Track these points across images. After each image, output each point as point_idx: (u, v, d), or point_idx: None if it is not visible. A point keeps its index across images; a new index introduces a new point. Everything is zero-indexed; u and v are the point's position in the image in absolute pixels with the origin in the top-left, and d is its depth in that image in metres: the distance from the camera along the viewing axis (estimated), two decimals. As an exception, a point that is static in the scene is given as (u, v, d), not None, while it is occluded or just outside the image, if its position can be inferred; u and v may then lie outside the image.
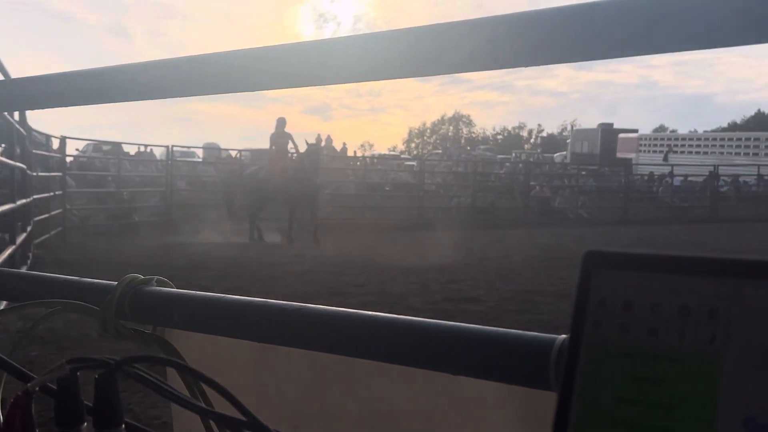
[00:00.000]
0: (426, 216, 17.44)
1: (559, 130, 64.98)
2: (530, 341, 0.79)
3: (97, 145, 20.55)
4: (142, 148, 22.47)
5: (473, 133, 68.85)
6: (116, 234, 12.92)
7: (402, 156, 39.12)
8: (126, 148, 20.28)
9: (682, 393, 0.34)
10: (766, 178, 24.58)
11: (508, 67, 0.89)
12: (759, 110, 60.01)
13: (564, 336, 0.79)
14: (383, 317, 0.91)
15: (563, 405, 0.37)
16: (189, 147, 25.37)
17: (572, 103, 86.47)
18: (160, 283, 1.04)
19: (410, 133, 71.59)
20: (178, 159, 19.13)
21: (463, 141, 60.76)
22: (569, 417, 0.37)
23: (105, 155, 18.06)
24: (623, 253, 0.38)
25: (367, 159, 28.46)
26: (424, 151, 54.36)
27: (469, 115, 70.76)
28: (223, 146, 29.77)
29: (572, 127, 50.23)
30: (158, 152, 21.49)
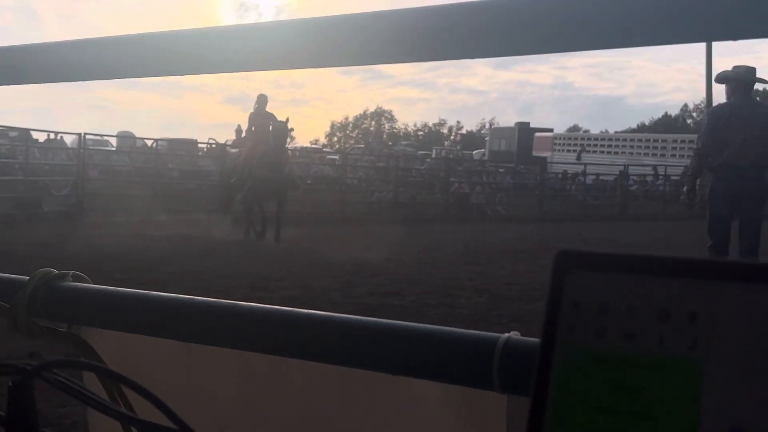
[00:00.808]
0: (348, 210, 17.42)
1: (477, 128, 66.24)
2: (473, 340, 0.78)
3: (3, 131, 19.49)
4: (53, 136, 21.48)
5: (395, 128, 69.31)
6: (23, 224, 12.29)
7: (324, 149, 38.94)
8: (35, 135, 19.33)
9: (663, 401, 0.33)
10: (672, 178, 25.79)
11: (432, 60, 0.88)
12: (666, 113, 62.99)
13: (507, 335, 0.77)
14: (319, 315, 0.87)
15: (535, 413, 0.35)
16: (102, 135, 24.43)
17: (491, 101, 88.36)
18: (77, 278, 0.96)
19: (332, 126, 71.39)
20: (91, 147, 18.38)
21: (385, 136, 61.06)
22: (542, 426, 0.35)
23: (11, 142, 17.13)
24: (598, 253, 0.36)
25: (289, 152, 28.13)
26: (347, 145, 54.33)
27: (391, 111, 71.12)
28: (138, 135, 28.80)
29: (490, 125, 51.34)
30: (69, 140, 20.59)
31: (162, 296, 0.97)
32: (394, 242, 10.52)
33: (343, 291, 6.89)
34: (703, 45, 20.12)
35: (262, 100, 11.81)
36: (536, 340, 0.78)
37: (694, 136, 29.28)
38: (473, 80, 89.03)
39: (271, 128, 11.42)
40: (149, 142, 21.54)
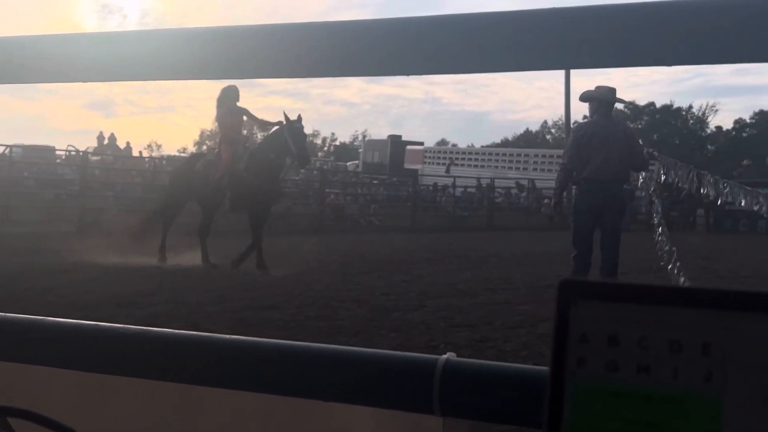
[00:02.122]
0: (222, 221, 16.93)
1: (351, 140, 66.76)
2: (410, 363, 0.75)
3: None
4: None
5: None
6: None
7: (193, 158, 37.78)
8: None
9: (682, 437, 0.32)
10: (535, 191, 27.13)
11: (304, 76, 0.87)
12: (527, 129, 66.26)
13: (445, 357, 0.76)
14: (237, 340, 0.82)
15: (548, 454, 0.33)
16: (-55, 140, 22.41)
17: (363, 113, 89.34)
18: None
19: (202, 134, 69.46)
20: (-68, 153, 16.81)
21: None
22: (556, 467, 0.33)
23: None
24: (604, 283, 0.35)
25: (156, 160, 27.07)
26: (217, 155, 52.96)
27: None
28: (-13, 140, 26.70)
29: (364, 137, 51.89)
30: None
31: (45, 321, 0.88)
32: (271, 254, 10.34)
33: (218, 305, 6.69)
34: (561, 66, 21.35)
35: (233, 93, 9.72)
36: (475, 360, 0.77)
37: (554, 151, 31.05)
38: (346, 92, 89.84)
39: (278, 128, 9.54)
40: (1, 149, 19.99)
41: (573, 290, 0.35)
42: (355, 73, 0.88)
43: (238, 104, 9.91)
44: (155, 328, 0.87)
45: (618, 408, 0.33)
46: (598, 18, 0.77)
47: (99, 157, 23.31)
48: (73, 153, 20.54)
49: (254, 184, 9.32)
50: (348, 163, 38.61)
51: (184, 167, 10.61)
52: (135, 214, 15.88)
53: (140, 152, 30.54)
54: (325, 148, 65.79)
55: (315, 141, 67.60)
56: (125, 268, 8.90)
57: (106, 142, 25.82)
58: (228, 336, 0.84)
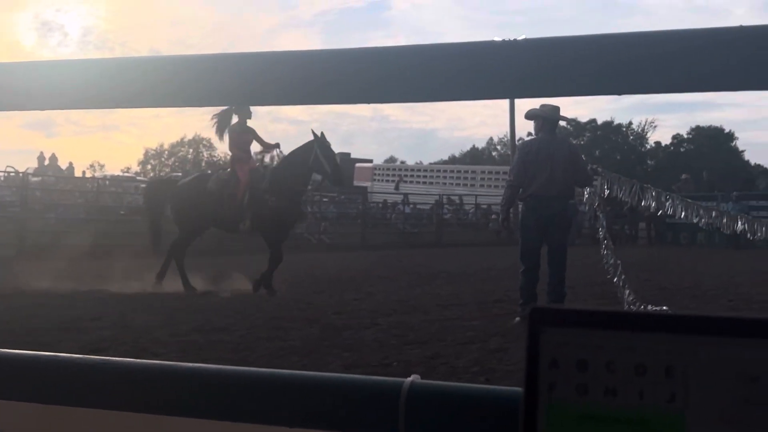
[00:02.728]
0: (167, 242, 16.63)
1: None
2: (375, 386, 0.76)
3: None
4: None
5: (214, 156, 67.70)
6: None
7: (138, 178, 37.06)
8: None
9: (649, 455, 0.34)
10: (482, 206, 27.49)
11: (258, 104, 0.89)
12: (474, 146, 67.22)
13: (410, 379, 0.77)
14: (207, 368, 0.82)
15: (524, 476, 0.34)
16: None
17: (311, 131, 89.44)
18: None
19: (146, 154, 68.22)
20: None
21: (204, 164, 59.38)
22: (530, 489, 0.34)
23: None
24: (572, 309, 0.36)
25: (99, 180, 26.44)
26: (162, 174, 52.09)
27: (209, 139, 69.22)
28: None
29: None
30: None
31: (7, 354, 0.87)
32: (217, 275, 10.20)
33: (166, 328, 6.54)
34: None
35: (246, 112, 9.55)
36: (441, 383, 0.78)
37: (500, 168, 31.53)
38: (294, 110, 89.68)
39: (306, 146, 9.18)
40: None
41: (543, 318, 0.36)
42: (295, 102, 0.89)
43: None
44: (114, 359, 0.86)
45: (588, 430, 0.35)
46: (539, 50, 0.80)
47: (40, 178, 22.64)
48: (12, 174, 19.90)
49: (278, 204, 9.07)
50: (297, 181, 38.42)
51: (192, 189, 9.69)
52: (77, 235, 15.49)
53: (83, 172, 29.81)
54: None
55: (265, 159, 67.15)
56: (69, 292, 8.65)
57: (47, 162, 25.12)
58: (190, 364, 0.83)
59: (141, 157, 68.71)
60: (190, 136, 68.62)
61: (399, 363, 5.19)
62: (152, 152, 68.54)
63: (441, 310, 7.79)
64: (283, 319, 7.12)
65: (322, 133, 9.20)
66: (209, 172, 12.05)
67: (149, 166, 66.99)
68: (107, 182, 25.87)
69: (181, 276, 9.26)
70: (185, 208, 9.50)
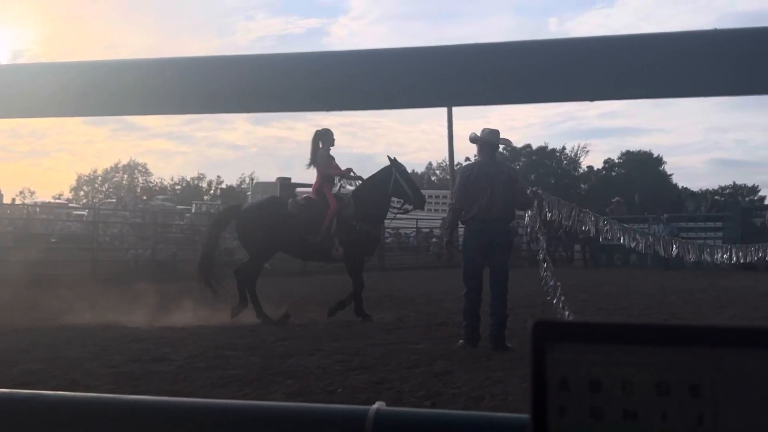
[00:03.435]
0: (100, 270, 16.13)
1: (238, 182, 65.73)
2: (341, 415, 0.71)
3: None
4: None
5: (150, 182, 66.23)
6: None
7: (70, 205, 35.90)
8: None
9: (679, 488, 0.29)
10: (422, 230, 27.65)
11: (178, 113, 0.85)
12: (413, 170, 67.82)
13: (375, 407, 0.71)
14: (141, 400, 0.75)
15: None
16: None
17: (251, 156, 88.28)
18: None
19: (79, 180, 66.25)
20: None
21: (139, 190, 58.01)
22: None
23: None
24: (580, 323, 0.32)
25: (29, 207, 25.46)
26: (95, 200, 50.65)
27: (145, 164, 67.67)
28: None
29: (251, 179, 51.26)
30: None
31: None
32: (154, 303, 9.89)
33: (100, 360, 6.28)
34: (444, 109, 22.17)
35: (330, 135, 9.39)
36: (407, 409, 0.73)
37: (440, 191, 31.80)
38: (232, 135, 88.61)
39: (385, 171, 9.21)
40: None
41: (549, 332, 0.32)
42: (231, 110, 0.84)
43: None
44: (43, 392, 0.78)
45: (608, 460, 0.30)
46: (479, 55, 0.78)
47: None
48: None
49: (364, 229, 8.99)
50: (236, 207, 37.89)
51: (265, 212, 9.39)
52: (6, 264, 14.84)
53: (13, 199, 28.70)
54: (211, 192, 64.41)
55: (200, 184, 66.12)
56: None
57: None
58: (125, 396, 0.76)
59: (73, 183, 66.72)
60: (124, 162, 67.11)
61: (344, 389, 5.09)
62: (85, 178, 66.68)
63: (385, 334, 7.73)
64: (223, 348, 6.92)
65: (395, 158, 9.33)
66: (277, 195, 11.83)
67: (82, 192, 65.13)
68: (38, 209, 24.98)
69: (254, 304, 8.99)
70: (257, 232, 9.12)
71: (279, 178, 36.76)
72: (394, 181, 9.16)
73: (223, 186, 65.78)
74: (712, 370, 0.31)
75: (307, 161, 9.41)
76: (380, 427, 0.68)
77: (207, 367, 6.06)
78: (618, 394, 0.31)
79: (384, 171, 9.31)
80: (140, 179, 66.55)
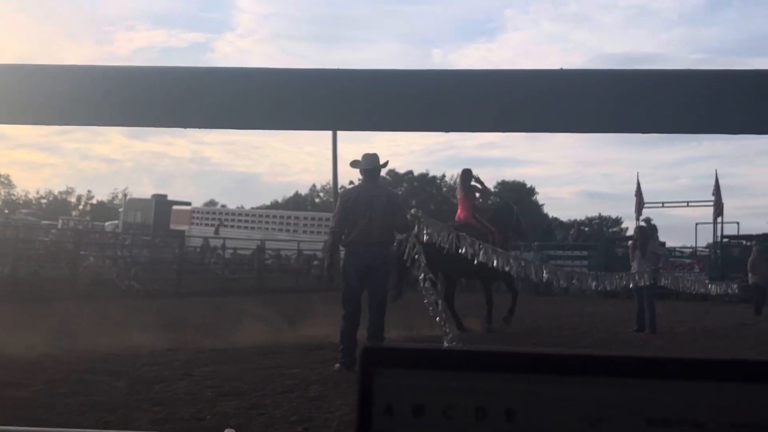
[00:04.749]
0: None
1: (110, 198, 62.77)
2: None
3: None
4: None
5: (13, 195, 61.97)
6: None
7: None
8: None
9: None
10: (304, 252, 27.49)
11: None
12: (297, 192, 67.42)
13: (224, 434, 0.69)
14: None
15: None
16: None
17: (125, 171, 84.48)
18: None
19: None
20: None
21: (0, 203, 54.15)
22: None
23: None
24: (408, 348, 0.32)
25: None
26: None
27: (8, 175, 63.36)
28: None
29: (125, 195, 49.14)
30: None
31: None
32: (13, 324, 9.22)
33: (-57, 386, 5.76)
34: (329, 132, 22.26)
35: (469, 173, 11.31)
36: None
37: (323, 214, 31.82)
38: (106, 147, 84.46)
39: (505, 204, 11.57)
40: None
41: (376, 358, 0.32)
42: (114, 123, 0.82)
43: None
44: None
45: (426, 485, 0.31)
46: (364, 80, 0.79)
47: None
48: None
49: (506, 255, 9.76)
50: (106, 223, 36.19)
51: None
52: None
53: None
54: (81, 207, 61.11)
55: (69, 199, 62.60)
56: None
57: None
58: (4, 427, 0.71)
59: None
60: (-16, 173, 62.58)
61: (213, 416, 4.93)
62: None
63: (260, 358, 7.58)
64: (86, 372, 6.54)
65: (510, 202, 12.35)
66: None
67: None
68: None
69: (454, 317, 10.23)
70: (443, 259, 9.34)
71: (154, 195, 35.54)
72: (511, 214, 12.03)
73: (94, 201, 62.68)
74: (527, 395, 0.32)
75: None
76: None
77: (67, 393, 5.70)
78: (439, 419, 0.32)
79: (507, 204, 12.29)
80: (2, 191, 62.21)
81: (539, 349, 0.33)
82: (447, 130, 0.85)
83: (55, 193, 63.74)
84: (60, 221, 35.08)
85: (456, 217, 11.42)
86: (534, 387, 0.32)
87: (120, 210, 37.88)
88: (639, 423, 0.31)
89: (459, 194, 11.74)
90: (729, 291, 16.14)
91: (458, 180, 12.24)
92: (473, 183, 11.43)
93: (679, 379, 0.32)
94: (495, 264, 8.71)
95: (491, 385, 0.32)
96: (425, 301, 7.70)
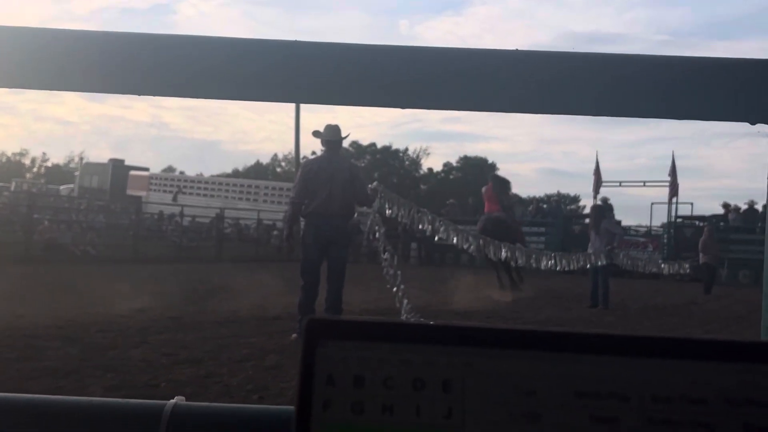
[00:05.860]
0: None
1: (66, 161, 61.31)
2: (133, 410, 0.69)
3: None
4: None
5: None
6: None
7: None
8: None
9: (424, 475, 0.32)
10: (264, 222, 27.33)
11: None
12: (258, 160, 66.79)
13: (173, 401, 0.70)
14: None
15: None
16: None
17: (81, 134, 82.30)
18: None
19: None
20: None
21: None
22: None
23: None
24: (351, 320, 0.33)
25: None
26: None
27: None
28: None
29: (81, 159, 48.04)
30: None
31: None
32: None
33: None
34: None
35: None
36: (206, 404, 0.72)
37: (284, 184, 31.59)
38: (62, 109, 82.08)
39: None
40: None
41: (320, 329, 0.33)
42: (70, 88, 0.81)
43: None
44: None
45: (364, 451, 0.32)
46: (329, 54, 0.80)
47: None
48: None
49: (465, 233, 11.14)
50: (61, 187, 35.39)
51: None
52: None
53: None
54: (35, 170, 59.63)
55: (23, 161, 60.99)
56: None
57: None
58: None
59: None
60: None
61: (168, 383, 4.92)
62: None
63: (217, 327, 7.56)
64: (38, 338, 6.45)
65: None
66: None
67: None
68: None
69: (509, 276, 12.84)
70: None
71: (111, 160, 34.82)
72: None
73: (49, 164, 61.17)
74: (463, 368, 0.33)
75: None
76: (176, 422, 0.67)
77: (18, 358, 5.62)
78: (379, 390, 0.33)
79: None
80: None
81: (476, 324, 0.34)
82: (407, 107, 0.86)
83: (9, 154, 62.01)
84: (13, 183, 34.20)
85: (488, 209, 13.90)
86: (470, 359, 0.33)
87: (76, 174, 37.04)
88: (568, 395, 0.33)
89: (490, 193, 13.99)
90: (681, 270, 16.57)
91: (494, 184, 14.24)
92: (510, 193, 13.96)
93: (607, 354, 0.34)
94: (455, 242, 8.78)
95: (429, 358, 0.33)
96: (383, 273, 7.74)
